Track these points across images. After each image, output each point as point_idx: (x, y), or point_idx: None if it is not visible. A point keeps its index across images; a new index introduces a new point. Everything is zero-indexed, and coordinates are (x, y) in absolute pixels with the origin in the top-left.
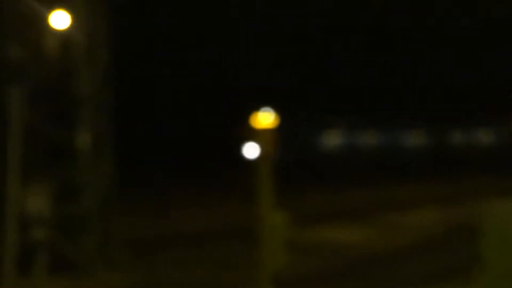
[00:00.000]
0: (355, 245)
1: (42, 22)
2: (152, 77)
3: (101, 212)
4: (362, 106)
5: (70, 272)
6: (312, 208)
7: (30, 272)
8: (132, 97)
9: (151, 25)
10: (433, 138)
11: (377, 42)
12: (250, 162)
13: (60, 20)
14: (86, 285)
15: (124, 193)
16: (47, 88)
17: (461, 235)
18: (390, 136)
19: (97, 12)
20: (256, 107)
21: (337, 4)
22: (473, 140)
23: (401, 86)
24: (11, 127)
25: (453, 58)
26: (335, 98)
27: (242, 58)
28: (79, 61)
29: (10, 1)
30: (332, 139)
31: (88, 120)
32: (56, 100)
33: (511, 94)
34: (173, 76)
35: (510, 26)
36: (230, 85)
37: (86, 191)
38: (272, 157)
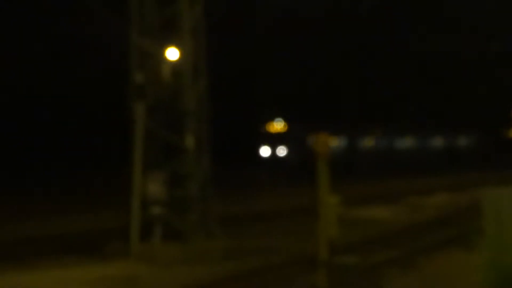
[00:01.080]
0: (387, 220)
1: (158, 55)
2: None
3: (201, 195)
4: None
5: (178, 240)
6: (356, 194)
7: (149, 240)
8: None
9: None
10: (443, 142)
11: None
12: (265, 160)
13: (171, 53)
14: (190, 249)
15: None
16: (162, 104)
17: (466, 213)
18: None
19: (199, 47)
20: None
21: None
22: (472, 144)
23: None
24: (136, 132)
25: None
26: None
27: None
28: (185, 84)
29: (135, 41)
30: (368, 143)
31: (192, 127)
32: (169, 113)
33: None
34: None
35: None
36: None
37: (190, 179)
38: (328, 155)
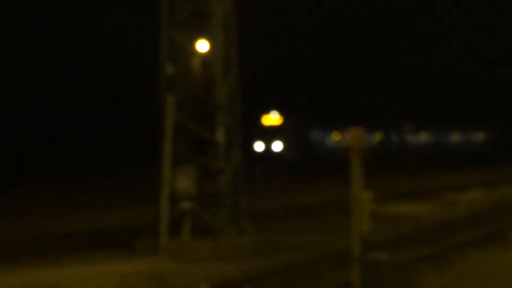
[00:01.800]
0: (420, 217)
1: (189, 47)
2: None
3: (232, 189)
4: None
5: (208, 235)
6: (389, 189)
7: (178, 235)
8: None
9: None
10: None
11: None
12: (259, 155)
13: (202, 46)
14: (220, 245)
15: None
16: (192, 97)
17: (501, 210)
18: (439, 136)
19: (230, 40)
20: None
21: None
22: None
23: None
24: (166, 126)
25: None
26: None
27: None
28: (216, 77)
29: (165, 33)
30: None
31: (223, 121)
32: (199, 106)
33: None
34: None
35: None
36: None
37: (220, 174)
38: (362, 151)
